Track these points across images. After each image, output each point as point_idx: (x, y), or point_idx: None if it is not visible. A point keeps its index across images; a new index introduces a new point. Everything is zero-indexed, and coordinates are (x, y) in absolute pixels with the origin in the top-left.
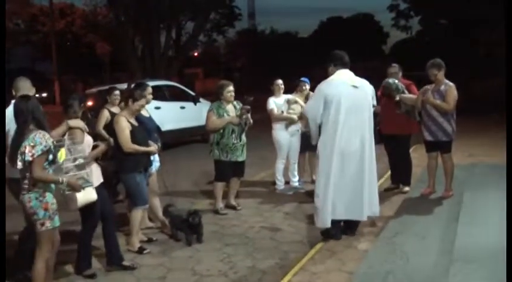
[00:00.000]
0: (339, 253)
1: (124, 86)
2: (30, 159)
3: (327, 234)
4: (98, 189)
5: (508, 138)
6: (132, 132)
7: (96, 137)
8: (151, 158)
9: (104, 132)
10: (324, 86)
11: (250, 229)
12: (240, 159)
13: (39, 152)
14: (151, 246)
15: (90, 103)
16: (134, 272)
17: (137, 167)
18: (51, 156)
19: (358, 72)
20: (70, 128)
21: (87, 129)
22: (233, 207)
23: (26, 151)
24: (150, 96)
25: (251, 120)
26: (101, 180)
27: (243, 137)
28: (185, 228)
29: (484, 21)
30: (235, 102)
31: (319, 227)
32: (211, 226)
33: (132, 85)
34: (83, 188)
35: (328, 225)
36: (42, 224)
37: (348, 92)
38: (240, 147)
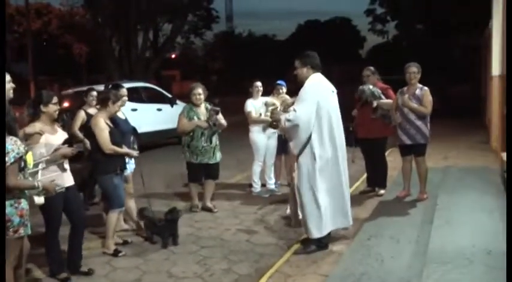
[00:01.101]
0: (314, 256)
1: (101, 87)
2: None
3: (318, 244)
4: (71, 191)
5: (508, 137)
6: (109, 134)
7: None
8: (126, 159)
9: (79, 133)
10: (315, 91)
11: (226, 231)
12: (212, 161)
13: (12, 160)
14: (126, 249)
15: (66, 104)
16: (109, 275)
17: (113, 168)
18: (22, 163)
19: (335, 76)
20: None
21: (56, 129)
22: (209, 210)
23: None
24: (125, 99)
25: (222, 121)
26: (72, 182)
27: (214, 139)
28: (162, 229)
29: (460, 26)
30: (207, 105)
31: (313, 237)
32: (187, 228)
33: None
34: (57, 191)
35: (325, 233)
36: (16, 231)
37: (331, 98)
38: (210, 150)
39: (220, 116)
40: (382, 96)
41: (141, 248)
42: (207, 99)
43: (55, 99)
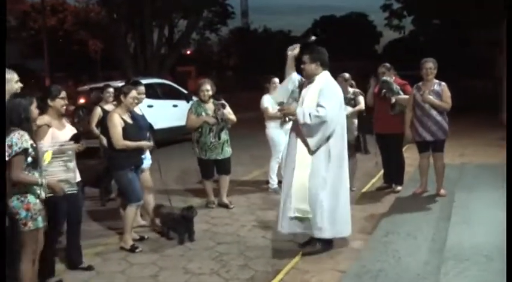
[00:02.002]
0: (331, 252)
1: (117, 83)
2: (6, 159)
3: (325, 245)
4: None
5: (508, 138)
6: (124, 129)
7: (89, 134)
8: (143, 155)
9: (95, 130)
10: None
11: (243, 228)
12: (220, 157)
13: (13, 153)
14: (142, 245)
15: (82, 100)
16: (125, 271)
17: (128, 164)
18: (30, 159)
19: (350, 72)
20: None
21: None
22: (225, 206)
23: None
24: (143, 96)
25: (231, 116)
26: (77, 178)
27: (223, 135)
28: (178, 226)
29: (477, 21)
30: (216, 101)
31: (332, 237)
32: (203, 225)
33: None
34: (65, 192)
35: (346, 233)
36: (25, 224)
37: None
38: (219, 146)
39: (228, 110)
40: (401, 92)
41: (157, 243)
42: (213, 96)
43: (63, 94)
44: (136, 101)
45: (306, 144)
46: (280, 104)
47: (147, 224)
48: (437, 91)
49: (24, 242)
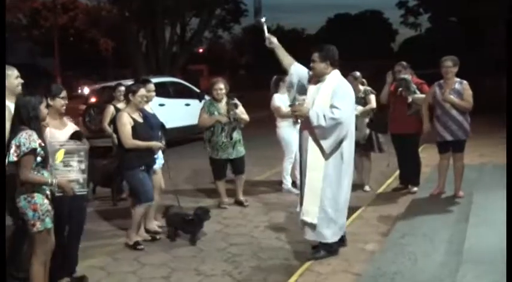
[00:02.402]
0: (346, 254)
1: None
2: (15, 159)
3: (329, 249)
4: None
5: (508, 138)
6: (134, 128)
7: (100, 133)
8: (156, 155)
9: (108, 128)
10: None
11: (256, 229)
12: (232, 156)
13: (22, 154)
14: (154, 245)
15: (93, 99)
16: (137, 271)
17: (139, 164)
18: (39, 158)
19: (365, 71)
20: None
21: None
22: (241, 203)
23: (12, 151)
24: (153, 93)
25: (244, 116)
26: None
27: (235, 134)
28: (190, 226)
29: (495, 19)
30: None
31: (331, 241)
32: (215, 225)
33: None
34: (75, 192)
35: (338, 238)
36: (33, 225)
37: None
38: (231, 145)
39: (241, 110)
40: (417, 92)
41: (169, 244)
42: (226, 95)
43: (63, 93)
44: (145, 99)
45: (320, 147)
46: (292, 104)
47: (161, 224)
48: (458, 90)
49: (34, 243)
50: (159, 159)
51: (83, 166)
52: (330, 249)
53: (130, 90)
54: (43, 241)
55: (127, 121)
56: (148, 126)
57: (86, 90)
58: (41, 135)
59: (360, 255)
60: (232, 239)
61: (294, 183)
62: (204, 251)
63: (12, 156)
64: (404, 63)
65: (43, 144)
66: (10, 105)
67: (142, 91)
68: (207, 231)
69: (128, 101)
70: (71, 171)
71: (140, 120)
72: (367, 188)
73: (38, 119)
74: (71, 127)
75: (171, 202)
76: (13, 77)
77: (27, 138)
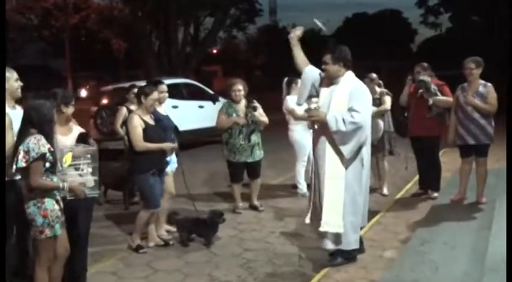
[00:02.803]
0: (364, 261)
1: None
2: (24, 165)
3: (347, 256)
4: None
5: (508, 139)
6: (145, 131)
7: (112, 135)
8: (169, 158)
9: (120, 130)
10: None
11: (271, 234)
12: (250, 160)
13: (31, 159)
14: (167, 250)
15: (105, 101)
16: (149, 277)
17: (150, 168)
18: (48, 164)
19: (383, 72)
20: None
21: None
22: (255, 208)
23: (20, 156)
24: (166, 95)
25: (263, 118)
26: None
27: (253, 137)
28: (205, 229)
29: None
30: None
31: (349, 249)
32: (230, 230)
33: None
34: (86, 195)
35: (358, 245)
36: (41, 232)
37: None
38: (249, 148)
39: (260, 112)
40: (439, 94)
41: (182, 250)
42: (245, 97)
43: (72, 102)
44: (157, 103)
45: (339, 153)
46: (308, 109)
47: (174, 229)
48: (481, 93)
49: (39, 250)
50: (172, 163)
51: (90, 169)
52: (348, 256)
53: (143, 93)
54: (49, 248)
55: (138, 123)
56: (160, 128)
57: (83, 93)
58: (50, 140)
59: (378, 262)
60: (247, 244)
61: (309, 186)
62: (218, 256)
63: (21, 162)
64: (424, 64)
65: (52, 149)
66: (9, 111)
67: (155, 94)
68: (221, 236)
69: (139, 103)
70: (79, 175)
71: (151, 122)
72: (385, 191)
73: (52, 122)
74: (76, 131)
75: (185, 206)
76: (13, 80)
77: (36, 143)
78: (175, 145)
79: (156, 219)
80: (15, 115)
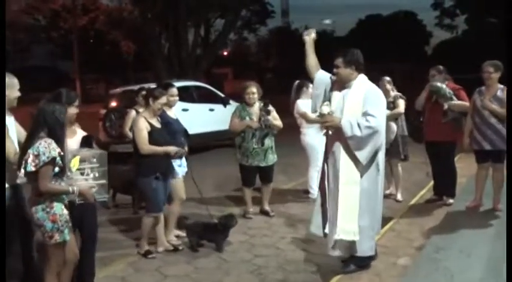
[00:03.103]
0: (377, 268)
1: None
2: (33, 169)
3: (360, 264)
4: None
5: (508, 138)
6: (150, 134)
7: (121, 138)
8: (179, 162)
9: (129, 133)
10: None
11: (282, 240)
12: (263, 164)
13: (41, 163)
14: (177, 256)
15: (113, 104)
16: None
17: (154, 171)
18: (57, 168)
19: (397, 75)
20: None
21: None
22: (266, 213)
23: (29, 160)
24: (176, 98)
25: (276, 122)
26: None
27: (267, 141)
28: (215, 234)
29: None
30: (261, 105)
31: (364, 255)
32: (240, 236)
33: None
34: (96, 199)
35: (373, 252)
36: (51, 237)
37: None
38: (262, 152)
39: (275, 116)
40: (454, 98)
41: (192, 255)
42: (260, 99)
43: (77, 102)
44: (165, 107)
45: (354, 158)
46: (321, 114)
47: (183, 234)
48: (499, 97)
49: (49, 255)
50: (183, 167)
51: (96, 173)
52: (361, 264)
53: (152, 95)
54: (58, 253)
55: (143, 126)
56: (166, 131)
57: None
58: (61, 144)
59: (391, 269)
60: (257, 250)
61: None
62: (228, 262)
63: (30, 166)
64: (440, 67)
65: (62, 153)
66: (8, 121)
67: (163, 99)
68: (232, 242)
69: (147, 105)
70: (86, 179)
71: (158, 125)
72: (399, 197)
73: (64, 127)
74: (80, 134)
75: (196, 211)
76: (16, 88)
77: (47, 147)
78: (183, 150)
79: (165, 223)
80: (8, 122)
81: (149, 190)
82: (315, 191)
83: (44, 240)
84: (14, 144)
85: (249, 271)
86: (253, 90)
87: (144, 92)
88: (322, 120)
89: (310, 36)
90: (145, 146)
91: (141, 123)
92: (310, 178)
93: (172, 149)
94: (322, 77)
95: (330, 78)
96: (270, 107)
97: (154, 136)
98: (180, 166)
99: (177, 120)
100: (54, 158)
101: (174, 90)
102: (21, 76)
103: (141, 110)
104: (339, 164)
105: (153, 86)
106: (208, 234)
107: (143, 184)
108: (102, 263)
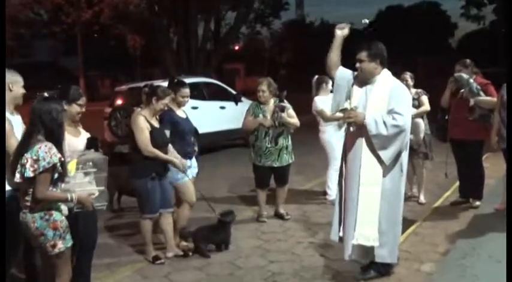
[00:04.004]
0: (399, 275)
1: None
2: (31, 175)
3: (381, 270)
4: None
5: (508, 139)
6: (150, 134)
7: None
8: (189, 163)
9: None
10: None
11: (298, 245)
12: (276, 164)
13: (41, 169)
14: (187, 262)
15: (119, 101)
16: None
17: (149, 172)
18: (56, 174)
19: (420, 69)
20: None
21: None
22: (281, 216)
23: (27, 165)
24: (187, 99)
25: (292, 120)
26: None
27: (281, 140)
28: (214, 233)
29: None
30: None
31: (385, 261)
32: (254, 240)
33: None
34: (95, 207)
35: (396, 258)
36: (54, 246)
37: None
38: (276, 152)
39: (291, 113)
40: (482, 93)
41: (203, 261)
42: (277, 96)
43: (82, 100)
44: (172, 105)
45: (377, 158)
46: (344, 109)
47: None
48: None
49: (57, 265)
50: (193, 167)
51: (91, 178)
52: (382, 270)
53: (156, 94)
54: (65, 261)
55: (144, 126)
56: (164, 131)
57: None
58: (60, 147)
59: (415, 276)
60: (272, 255)
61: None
62: (241, 268)
63: (28, 171)
64: (467, 61)
65: (63, 159)
66: (11, 117)
67: (166, 100)
68: (245, 247)
69: (147, 104)
70: (83, 184)
71: (156, 125)
72: (422, 199)
73: (62, 128)
74: (84, 135)
75: (205, 213)
76: (20, 85)
77: (47, 152)
78: (187, 163)
79: (175, 227)
80: (15, 121)
81: (144, 191)
82: (333, 192)
83: (45, 251)
84: None
85: (263, 278)
86: (263, 88)
87: (146, 89)
88: (345, 115)
89: (342, 31)
90: (149, 148)
91: (142, 123)
92: (329, 178)
93: (176, 161)
94: (343, 75)
95: (353, 74)
96: (286, 104)
97: (153, 136)
98: (190, 167)
99: (186, 119)
100: (55, 164)
101: (186, 91)
102: (23, 73)
103: None
104: (359, 163)
105: (162, 83)
106: (215, 236)
107: (138, 185)
108: (108, 270)
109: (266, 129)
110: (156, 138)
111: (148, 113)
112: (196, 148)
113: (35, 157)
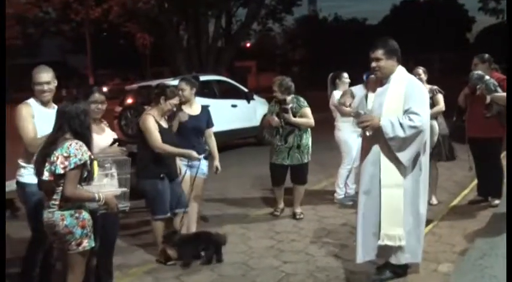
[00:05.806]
0: (416, 276)
1: (171, 81)
2: (62, 172)
3: (397, 270)
4: None
5: (508, 139)
6: (159, 134)
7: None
8: (198, 163)
9: None
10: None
11: (312, 245)
12: (286, 163)
13: (72, 166)
14: (198, 263)
15: (129, 101)
16: None
17: (157, 173)
18: (86, 173)
19: (436, 65)
20: None
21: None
22: (294, 215)
23: (58, 162)
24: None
25: (300, 120)
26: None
27: (290, 139)
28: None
29: None
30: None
31: (405, 262)
32: (267, 240)
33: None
34: (119, 208)
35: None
36: (79, 244)
37: None
38: (285, 150)
39: (305, 112)
40: (499, 89)
41: (214, 261)
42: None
43: (95, 97)
44: (175, 108)
45: (396, 160)
46: (357, 113)
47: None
48: None
49: (75, 263)
50: (204, 166)
51: (114, 180)
52: (398, 270)
53: (164, 94)
54: (83, 261)
55: (154, 127)
56: (172, 131)
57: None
58: (90, 147)
59: (432, 277)
60: (286, 256)
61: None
62: (254, 269)
63: (59, 168)
64: (486, 55)
65: (92, 157)
66: (42, 108)
67: (175, 100)
68: (258, 247)
69: (156, 103)
70: (103, 186)
71: (165, 125)
72: (434, 200)
73: (90, 130)
74: (109, 133)
75: (216, 212)
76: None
77: (78, 149)
78: (200, 156)
79: (187, 226)
80: (46, 113)
81: (156, 192)
82: (342, 191)
83: (69, 249)
84: (36, 130)
85: (277, 279)
86: (274, 88)
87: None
88: (359, 120)
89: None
90: (159, 144)
91: (152, 123)
92: (340, 176)
93: (188, 153)
94: (356, 93)
95: (361, 87)
96: (287, 106)
97: (162, 137)
98: (201, 165)
99: (196, 117)
100: (85, 162)
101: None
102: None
103: None
104: (379, 166)
105: (172, 82)
106: (203, 245)
107: (148, 186)
108: (120, 272)
109: (277, 128)
110: (165, 139)
111: (157, 113)
112: (207, 147)
113: (65, 154)
